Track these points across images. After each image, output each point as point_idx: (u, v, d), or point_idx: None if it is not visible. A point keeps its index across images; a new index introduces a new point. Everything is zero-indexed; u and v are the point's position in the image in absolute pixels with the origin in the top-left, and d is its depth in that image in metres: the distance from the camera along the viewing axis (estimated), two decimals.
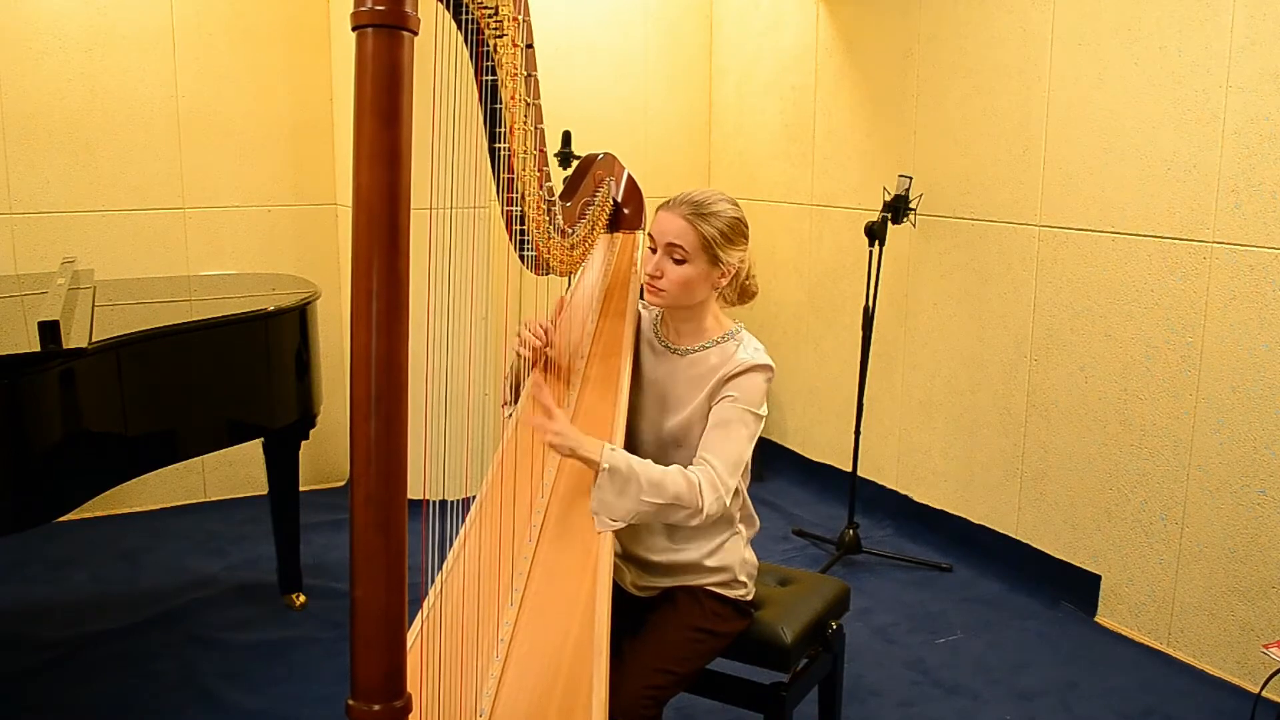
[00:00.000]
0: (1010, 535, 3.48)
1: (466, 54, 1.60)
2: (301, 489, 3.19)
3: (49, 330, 2.19)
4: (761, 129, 4.50)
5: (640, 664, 1.81)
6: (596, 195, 2.16)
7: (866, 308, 3.52)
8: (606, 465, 1.71)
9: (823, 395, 4.31)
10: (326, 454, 4.27)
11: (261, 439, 3.03)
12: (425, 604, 1.66)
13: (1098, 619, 3.17)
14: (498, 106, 1.64)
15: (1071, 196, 3.16)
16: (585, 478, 1.81)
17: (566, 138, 4.04)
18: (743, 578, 2.00)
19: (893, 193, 3.47)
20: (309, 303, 3.02)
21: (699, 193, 1.92)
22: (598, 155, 2.19)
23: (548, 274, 1.93)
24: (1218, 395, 2.78)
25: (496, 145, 1.67)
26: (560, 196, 1.98)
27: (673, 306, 1.96)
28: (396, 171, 1.05)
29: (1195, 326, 2.82)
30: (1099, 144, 3.05)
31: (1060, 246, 3.21)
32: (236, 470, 4.13)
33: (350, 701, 1.11)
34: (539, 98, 1.75)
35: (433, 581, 1.70)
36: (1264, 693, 2.52)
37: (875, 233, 3.43)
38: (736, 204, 1.95)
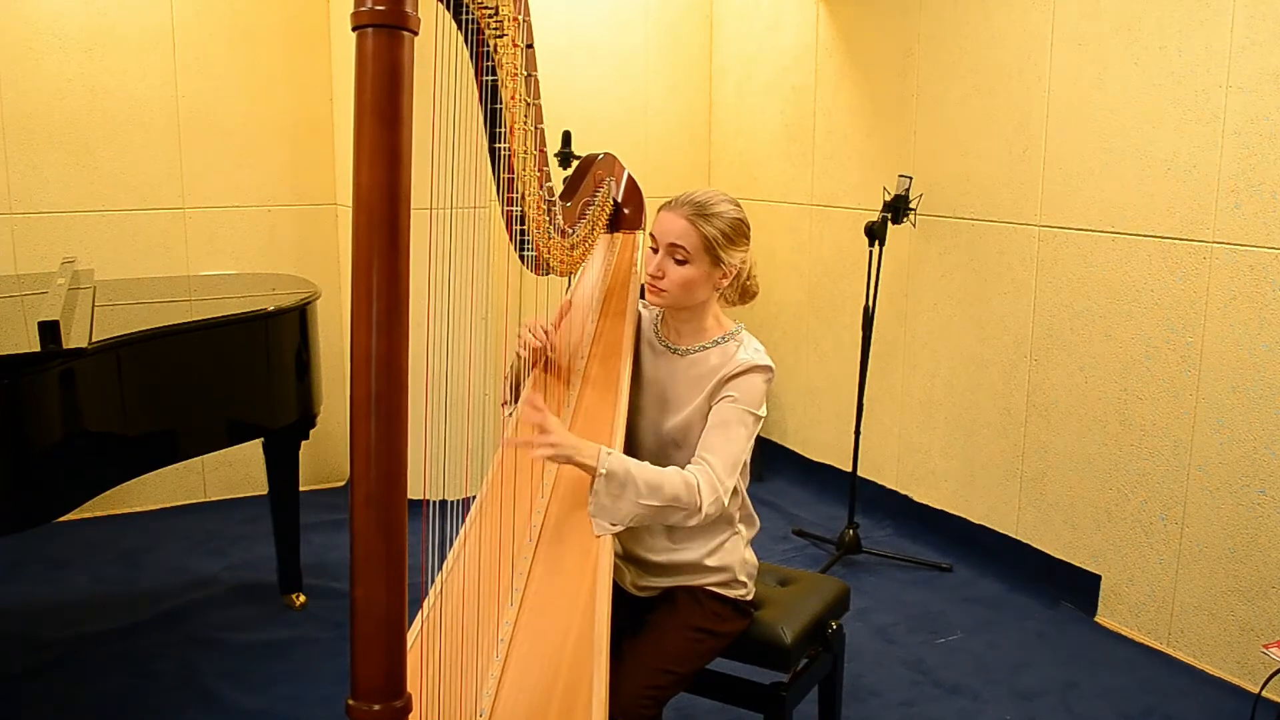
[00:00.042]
0: (1010, 535, 3.48)
1: (466, 54, 1.60)
2: (301, 489, 3.19)
3: (49, 330, 2.19)
4: (761, 129, 4.50)
5: (640, 664, 1.81)
6: (596, 195, 2.16)
7: (866, 308, 3.52)
8: (603, 470, 1.71)
9: (823, 395, 4.31)
10: (326, 454, 4.27)
11: (261, 439, 3.03)
12: (425, 604, 1.66)
13: (1098, 619, 3.17)
14: (498, 106, 1.64)
15: (1071, 196, 3.16)
16: (585, 477, 1.81)
17: (566, 138, 4.04)
18: (743, 578, 2.00)
19: (893, 193, 3.47)
20: (309, 303, 3.02)
21: (701, 193, 1.92)
22: (598, 155, 2.19)
23: (548, 274, 1.93)
24: (1218, 395, 2.78)
25: (497, 145, 1.67)
26: (560, 196, 1.98)
27: (674, 307, 1.96)
28: (396, 171, 1.05)
29: (1195, 326, 2.82)
30: (1099, 144, 3.05)
31: (1060, 246, 3.21)
32: (236, 470, 4.13)
33: (350, 701, 1.11)
34: (539, 98, 1.75)
35: (433, 581, 1.70)
36: (1264, 693, 2.52)
37: (875, 233, 3.43)
38: (738, 204, 1.95)
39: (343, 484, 4.34)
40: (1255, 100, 2.63)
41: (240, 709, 2.64)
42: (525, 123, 1.71)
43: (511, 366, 2.06)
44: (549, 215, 1.86)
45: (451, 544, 1.77)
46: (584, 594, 1.63)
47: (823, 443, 4.34)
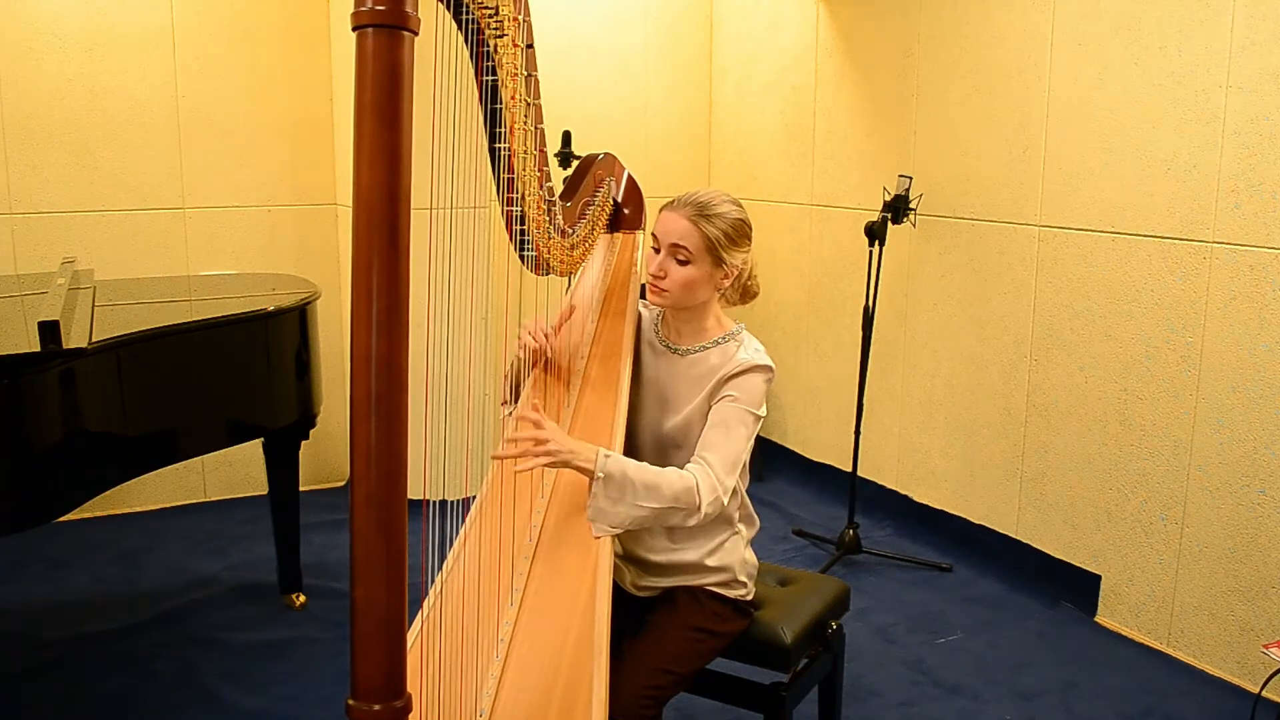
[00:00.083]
0: (1010, 535, 3.48)
1: (466, 54, 1.60)
2: (301, 489, 3.19)
3: (49, 330, 2.19)
4: (761, 129, 4.50)
5: (640, 664, 1.81)
6: (596, 195, 2.16)
7: (866, 308, 3.52)
8: (601, 474, 1.70)
9: (823, 395, 4.31)
10: (326, 454, 4.27)
11: (261, 439, 3.03)
12: (425, 604, 1.66)
13: (1098, 619, 3.17)
14: (498, 106, 1.64)
15: (1071, 196, 3.16)
16: (584, 478, 1.81)
17: (566, 138, 4.04)
18: (743, 578, 2.00)
19: (893, 193, 3.47)
20: (309, 303, 3.02)
21: (703, 193, 1.92)
22: (598, 155, 2.19)
23: (548, 274, 1.93)
24: (1218, 395, 2.78)
25: (497, 145, 1.67)
26: (560, 196, 1.98)
27: (675, 307, 1.96)
28: (396, 171, 1.05)
29: (1195, 326, 2.82)
30: (1099, 144, 3.05)
31: (1060, 246, 3.21)
32: (236, 470, 4.13)
33: (350, 701, 1.11)
34: (539, 98, 1.75)
35: (433, 581, 1.70)
36: (1264, 693, 2.52)
37: (875, 233, 3.43)
38: (740, 205, 1.95)
39: (343, 484, 4.34)
40: (1255, 100, 2.63)
41: (240, 709, 2.64)
42: (525, 123, 1.71)
43: (511, 366, 2.06)
44: (549, 215, 1.86)
45: (451, 544, 1.77)
46: (584, 594, 1.63)
47: (823, 443, 4.34)
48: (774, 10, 4.36)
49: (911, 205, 3.48)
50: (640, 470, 1.75)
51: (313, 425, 3.11)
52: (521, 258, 1.85)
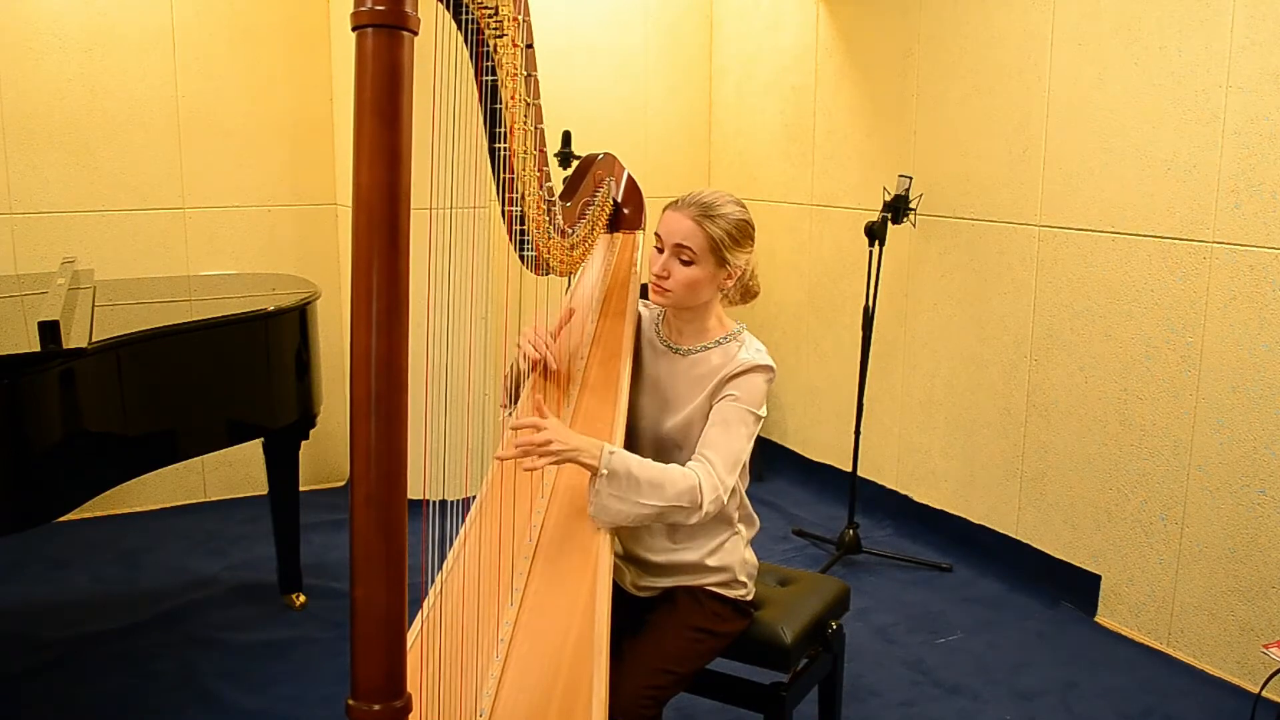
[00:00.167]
0: (1010, 535, 3.48)
1: (466, 54, 1.60)
2: (301, 489, 3.19)
3: (49, 330, 2.19)
4: (761, 129, 4.50)
5: (640, 664, 1.81)
6: (596, 195, 2.16)
7: (866, 308, 3.52)
8: (605, 470, 1.71)
9: (823, 395, 4.31)
10: (326, 454, 4.27)
11: (261, 439, 3.03)
12: (425, 604, 1.66)
13: (1098, 619, 3.17)
14: (498, 106, 1.64)
15: (1071, 196, 3.15)
16: (584, 479, 1.81)
17: (566, 138, 4.04)
18: (743, 578, 2.00)
19: (893, 193, 3.47)
20: (309, 303, 3.02)
21: (707, 194, 1.92)
22: (598, 155, 2.19)
23: (548, 274, 1.93)
24: (1218, 395, 2.78)
25: (496, 145, 1.67)
26: (560, 196, 1.98)
27: (678, 307, 1.96)
28: (396, 171, 1.05)
29: (1195, 326, 2.82)
30: (1099, 144, 3.05)
31: (1060, 246, 3.21)
32: (236, 470, 4.13)
33: (350, 701, 1.11)
34: (539, 98, 1.75)
35: (433, 581, 1.70)
36: (1264, 693, 2.52)
37: (875, 233, 3.43)
38: (743, 205, 1.95)
39: (343, 484, 4.34)
40: (1255, 100, 2.63)
41: (240, 709, 2.64)
42: (525, 123, 1.71)
43: (511, 369, 2.05)
44: (549, 215, 1.86)
45: (451, 544, 1.77)
46: (584, 594, 1.63)
47: (823, 443, 4.34)
48: (774, 10, 4.36)
49: (911, 205, 3.48)
50: (644, 467, 1.75)
51: (313, 425, 3.11)
52: (521, 258, 1.85)
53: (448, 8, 1.52)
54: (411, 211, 1.07)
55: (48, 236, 3.74)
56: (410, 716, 1.14)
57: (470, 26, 1.57)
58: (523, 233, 1.78)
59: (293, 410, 2.98)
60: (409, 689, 1.14)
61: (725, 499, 1.82)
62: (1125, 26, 2.94)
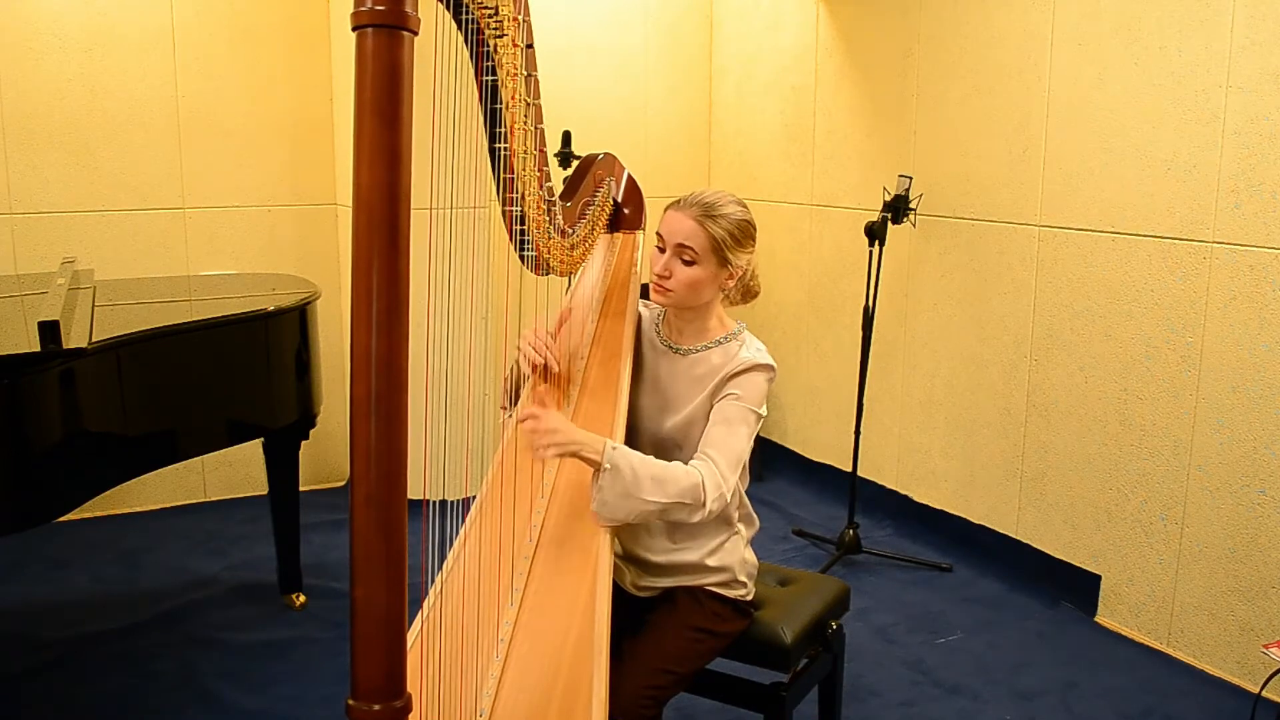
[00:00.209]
0: (1010, 535, 3.48)
1: (466, 54, 1.60)
2: (301, 489, 3.19)
3: (49, 330, 2.19)
4: (761, 129, 4.50)
5: (640, 664, 1.81)
6: (596, 195, 2.16)
7: (866, 308, 3.52)
8: (608, 465, 1.71)
9: (823, 395, 4.31)
10: (326, 454, 4.27)
11: (261, 439, 3.03)
12: (425, 604, 1.66)
13: (1098, 619, 3.17)
14: (498, 106, 1.64)
15: (1071, 196, 3.15)
16: (586, 477, 1.81)
17: (566, 138, 4.04)
18: (743, 578, 2.00)
19: (893, 193, 3.47)
20: (309, 303, 3.02)
21: (709, 194, 1.92)
22: (598, 155, 2.18)
23: (548, 274, 1.93)
24: (1218, 395, 2.78)
25: (496, 145, 1.67)
26: (560, 196, 1.98)
27: (679, 306, 1.96)
28: (396, 171, 1.05)
29: (1195, 326, 2.82)
30: (1099, 144, 3.05)
31: (1060, 246, 3.21)
32: (236, 470, 4.13)
33: (350, 701, 1.11)
34: (539, 98, 1.75)
35: (433, 581, 1.70)
36: (1264, 693, 2.52)
37: (875, 233, 3.43)
38: (745, 205, 1.95)
39: (343, 484, 4.34)
40: (1255, 100, 2.63)
41: (240, 709, 2.64)
42: (525, 123, 1.71)
43: (510, 371, 2.05)
44: (549, 215, 1.86)
45: (451, 544, 1.77)
46: (584, 594, 1.63)
47: (823, 443, 4.34)
48: (774, 10, 4.36)
49: (911, 205, 3.48)
50: (647, 464, 1.75)
51: (313, 425, 3.11)
52: (521, 258, 1.85)
53: (448, 8, 1.52)
54: (411, 211, 1.07)
55: (48, 236, 3.74)
56: (410, 716, 1.14)
57: (470, 26, 1.57)
58: (523, 233, 1.78)
59: (293, 410, 2.98)
60: (409, 689, 1.14)
61: (729, 497, 1.83)
62: (1125, 26, 2.94)
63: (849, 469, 3.75)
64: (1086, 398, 3.16)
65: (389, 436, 1.07)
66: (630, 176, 2.30)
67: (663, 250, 1.92)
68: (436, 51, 1.41)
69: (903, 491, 3.94)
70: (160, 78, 3.83)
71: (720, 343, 1.97)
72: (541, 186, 1.80)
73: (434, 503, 1.70)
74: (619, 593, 1.87)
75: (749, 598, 2.03)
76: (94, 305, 2.66)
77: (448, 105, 1.44)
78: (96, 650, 2.91)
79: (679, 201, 1.93)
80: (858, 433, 3.64)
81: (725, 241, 1.89)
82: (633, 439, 1.97)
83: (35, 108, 3.66)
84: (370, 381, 1.06)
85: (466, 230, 1.77)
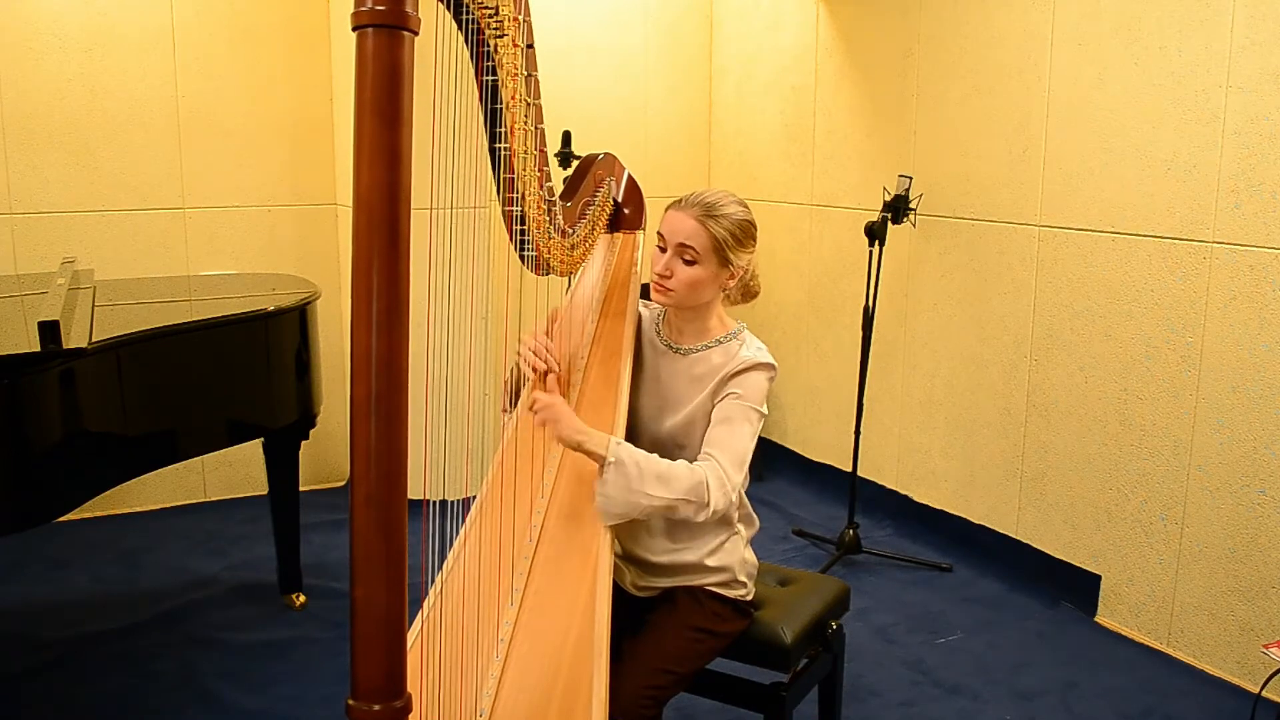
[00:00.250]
0: (1010, 535, 3.48)
1: (467, 54, 1.60)
2: (301, 489, 3.19)
3: (49, 330, 2.19)
4: (761, 129, 4.50)
5: (640, 664, 1.81)
6: (597, 195, 2.16)
7: (866, 308, 3.52)
8: (613, 459, 1.71)
9: (823, 395, 4.31)
10: (326, 454, 4.27)
11: (261, 439, 3.03)
12: (425, 604, 1.66)
13: (1098, 619, 3.17)
14: (498, 106, 1.64)
15: (1071, 196, 3.15)
16: (586, 477, 1.81)
17: (566, 138, 4.04)
18: (743, 578, 2.00)
19: (893, 193, 3.47)
20: (309, 303, 3.02)
21: (710, 194, 1.93)
22: (598, 155, 2.18)
23: (548, 274, 1.93)
24: (1218, 395, 2.78)
25: (497, 145, 1.67)
26: (560, 196, 1.98)
27: (680, 306, 1.96)
28: (396, 171, 1.05)
29: (1195, 326, 2.82)
30: (1099, 144, 3.05)
31: (1060, 246, 3.21)
32: (236, 470, 4.13)
33: (350, 701, 1.11)
34: (539, 98, 1.75)
35: (433, 581, 1.70)
36: (1264, 693, 2.52)
37: (875, 233, 3.43)
38: (746, 205, 1.96)
39: (343, 484, 4.34)
40: (1255, 100, 2.63)
41: (240, 709, 2.64)
42: (525, 123, 1.71)
43: (510, 374, 2.05)
44: (549, 215, 1.86)
45: (451, 544, 1.77)
46: (584, 594, 1.63)
47: (823, 443, 4.34)
48: (774, 10, 4.36)
49: (911, 205, 3.48)
50: (651, 461, 1.76)
51: (313, 425, 3.11)
52: (521, 258, 1.85)
53: (448, 8, 1.52)
54: (411, 211, 1.07)
55: (48, 236, 3.74)
56: (410, 716, 1.14)
57: (470, 26, 1.57)
58: (523, 233, 1.78)
59: (293, 410, 2.98)
60: (409, 689, 1.14)
61: (734, 496, 1.83)
62: (1125, 26, 2.94)
63: (849, 469, 3.75)
64: (1086, 398, 3.16)
65: (389, 436, 1.07)
66: (630, 176, 2.30)
67: (664, 250, 1.92)
68: (436, 51, 1.41)
69: (903, 491, 3.94)
70: (160, 78, 3.83)
71: (721, 342, 1.97)
72: (542, 186, 1.80)
73: (434, 503, 1.70)
74: (619, 593, 1.87)
75: (749, 598, 2.03)
76: (94, 305, 2.66)
77: (448, 105, 1.44)
78: (96, 650, 2.91)
79: (680, 201, 1.93)
80: (858, 433, 3.64)
81: (726, 241, 1.89)
82: (633, 439, 1.97)
83: (35, 108, 3.66)
84: (370, 382, 1.06)
85: (467, 230, 1.77)
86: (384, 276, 1.05)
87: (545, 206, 1.83)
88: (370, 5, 1.02)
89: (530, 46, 1.68)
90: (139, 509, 4.00)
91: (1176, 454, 2.90)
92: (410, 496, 1.12)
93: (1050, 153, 3.21)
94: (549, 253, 1.87)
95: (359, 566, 1.09)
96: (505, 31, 1.59)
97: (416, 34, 1.05)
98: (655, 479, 1.73)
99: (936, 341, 3.72)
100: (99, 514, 3.91)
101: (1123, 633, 3.09)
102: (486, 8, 1.56)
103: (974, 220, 3.51)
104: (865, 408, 3.68)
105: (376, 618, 1.09)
